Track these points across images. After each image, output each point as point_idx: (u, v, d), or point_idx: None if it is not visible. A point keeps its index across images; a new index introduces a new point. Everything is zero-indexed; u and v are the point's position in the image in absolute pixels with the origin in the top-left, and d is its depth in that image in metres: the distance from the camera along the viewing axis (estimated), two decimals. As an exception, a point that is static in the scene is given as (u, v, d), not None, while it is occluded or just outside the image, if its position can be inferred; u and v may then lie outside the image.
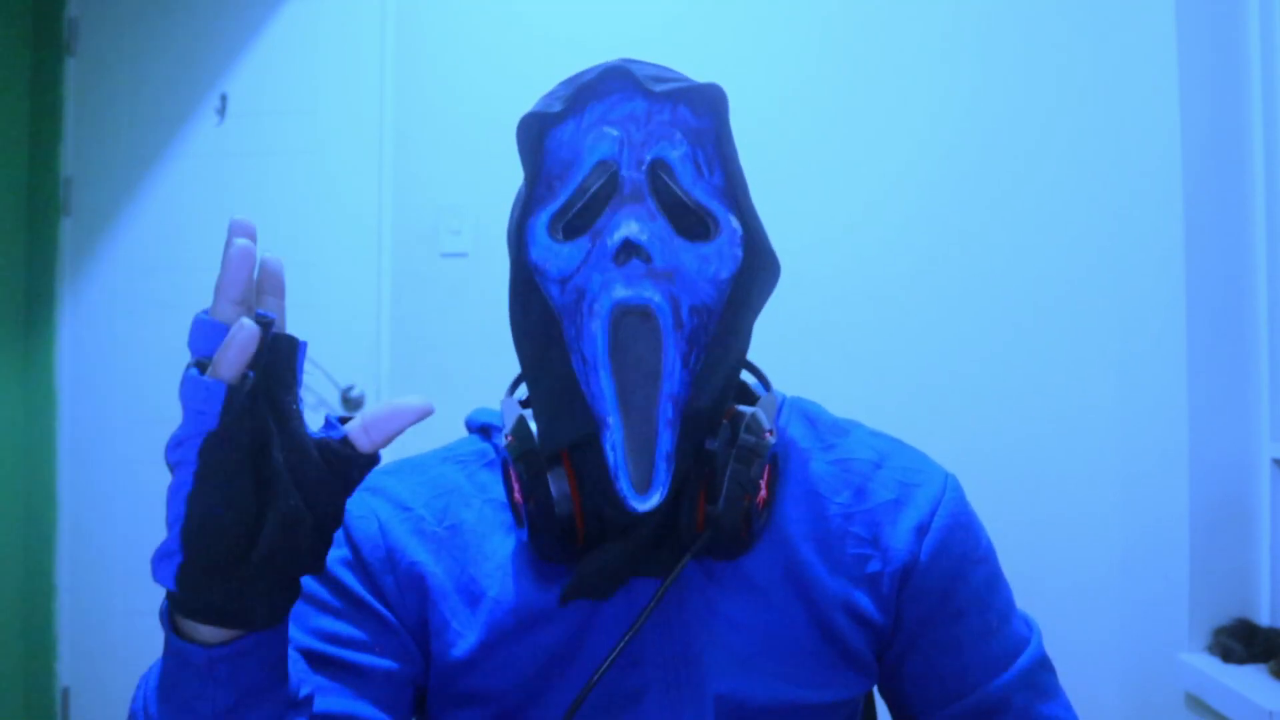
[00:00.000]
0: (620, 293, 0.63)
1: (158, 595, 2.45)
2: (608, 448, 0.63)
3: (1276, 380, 1.66)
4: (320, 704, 0.65)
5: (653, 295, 0.63)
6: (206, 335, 0.50)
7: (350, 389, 2.28)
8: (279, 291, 0.59)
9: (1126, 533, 1.87)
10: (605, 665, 0.62)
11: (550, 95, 0.69)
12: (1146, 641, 1.79)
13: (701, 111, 0.67)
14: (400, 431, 0.55)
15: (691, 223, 0.66)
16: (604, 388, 0.64)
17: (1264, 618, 1.65)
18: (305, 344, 0.57)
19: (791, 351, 1.95)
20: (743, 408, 0.70)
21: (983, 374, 1.98)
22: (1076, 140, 1.96)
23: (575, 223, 0.66)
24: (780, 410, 0.78)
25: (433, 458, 0.78)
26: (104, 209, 2.46)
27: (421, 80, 2.29)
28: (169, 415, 2.36)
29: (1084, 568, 1.91)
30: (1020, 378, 1.97)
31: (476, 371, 2.24)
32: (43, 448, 2.47)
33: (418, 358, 2.26)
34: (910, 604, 0.72)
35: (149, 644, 2.70)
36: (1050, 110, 1.98)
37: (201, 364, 0.50)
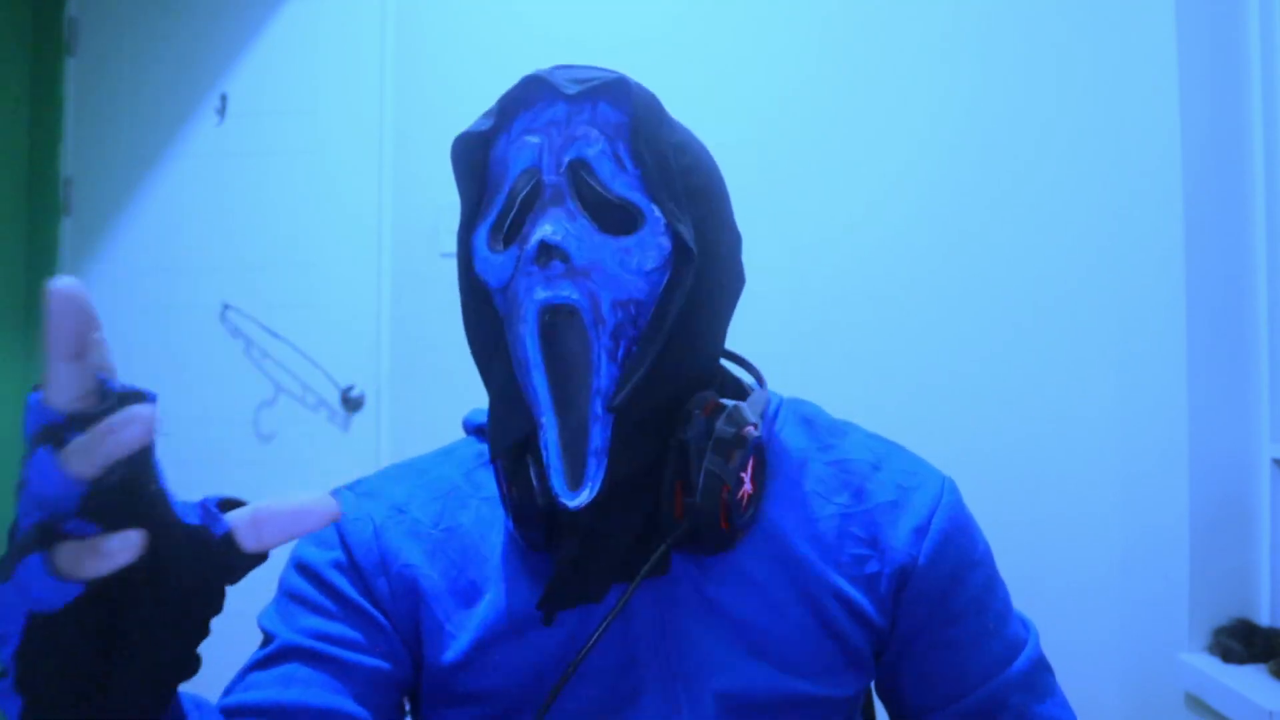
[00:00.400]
0: (541, 294, 0.64)
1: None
2: (542, 447, 0.64)
3: (1276, 380, 1.66)
4: (304, 697, 0.65)
5: (571, 293, 0.64)
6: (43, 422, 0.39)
7: (350, 389, 2.28)
8: (96, 325, 0.40)
9: (1126, 533, 1.87)
10: (583, 654, 0.62)
11: (483, 115, 0.71)
12: (1146, 641, 1.79)
13: (621, 105, 0.68)
14: (298, 535, 0.45)
15: (616, 217, 0.67)
16: (537, 388, 0.65)
17: (1264, 618, 1.65)
18: (155, 395, 0.45)
19: (791, 352, 1.95)
20: (727, 401, 0.70)
21: (983, 374, 1.98)
22: (1076, 141, 1.96)
23: (509, 233, 0.68)
24: (777, 411, 0.78)
25: (431, 459, 0.79)
26: (104, 209, 2.46)
27: (421, 80, 2.29)
28: (169, 415, 2.37)
29: (1084, 568, 1.91)
30: (1020, 378, 1.97)
31: (476, 371, 2.25)
32: (43, 448, 2.47)
33: (418, 358, 2.26)
34: (908, 606, 0.73)
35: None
36: (1050, 110, 1.98)
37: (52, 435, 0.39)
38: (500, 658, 0.69)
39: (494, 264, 0.68)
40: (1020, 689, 0.73)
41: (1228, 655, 1.58)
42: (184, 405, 2.37)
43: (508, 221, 0.68)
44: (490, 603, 0.69)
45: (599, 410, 0.64)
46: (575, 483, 0.63)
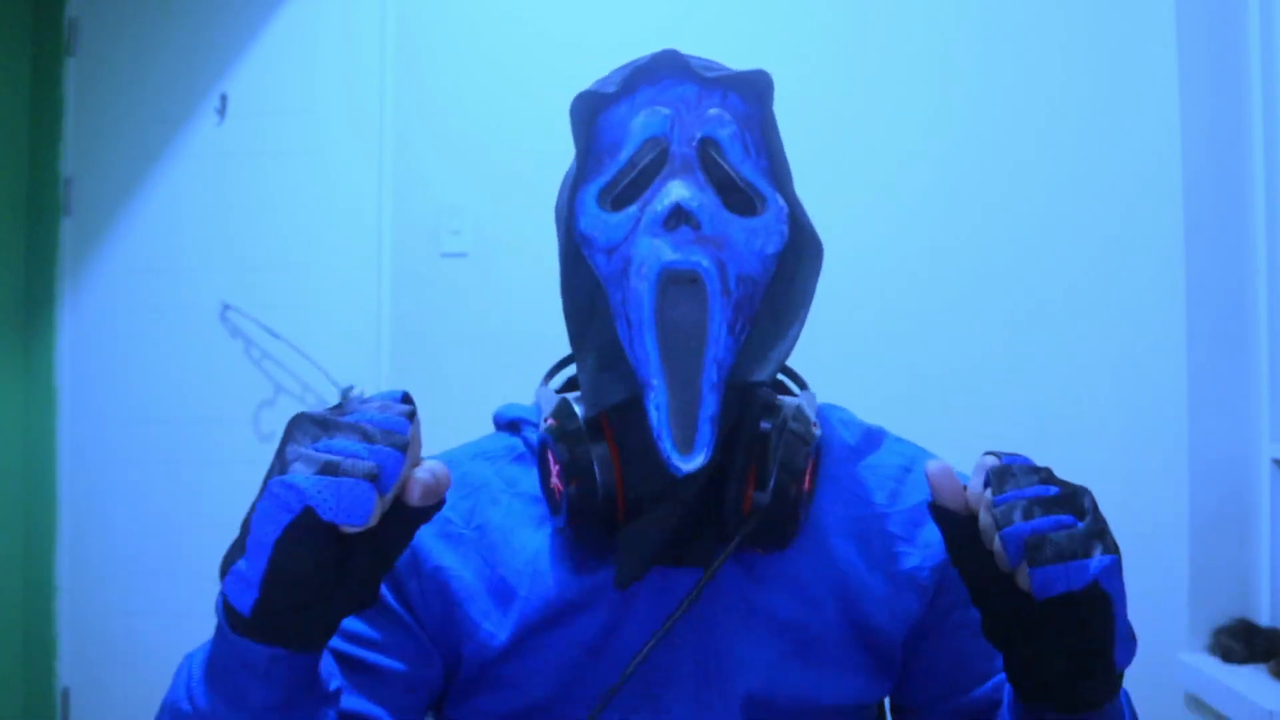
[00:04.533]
0: (669, 255, 0.64)
1: (157, 595, 2.46)
2: (651, 408, 0.63)
3: (1276, 380, 1.66)
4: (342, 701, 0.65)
5: (700, 259, 0.64)
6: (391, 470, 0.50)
7: (350, 389, 2.28)
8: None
9: (1126, 533, 1.86)
10: (635, 662, 0.61)
11: (605, 79, 0.71)
12: (1146, 641, 1.78)
13: (749, 98, 0.70)
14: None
15: (739, 199, 0.68)
16: (649, 350, 0.64)
17: (1264, 618, 1.65)
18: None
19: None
20: (787, 399, 0.70)
21: (982, 374, 1.98)
22: (1077, 141, 1.96)
23: (624, 194, 0.68)
24: (818, 413, 0.78)
25: (462, 454, 0.77)
26: (104, 209, 2.46)
27: (421, 80, 2.29)
28: (169, 415, 2.37)
29: (1084, 568, 1.90)
30: (1020, 377, 1.97)
31: (476, 371, 2.24)
32: (43, 448, 2.46)
33: (418, 358, 2.26)
34: (939, 594, 0.74)
35: (149, 644, 2.69)
36: (1050, 111, 1.98)
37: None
38: (537, 648, 0.69)
39: (605, 222, 0.68)
40: None
41: (1228, 655, 1.58)
42: (184, 405, 2.37)
43: (623, 184, 0.68)
44: (525, 597, 0.69)
45: (715, 378, 0.64)
46: (687, 446, 0.62)
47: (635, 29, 2.16)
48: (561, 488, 0.66)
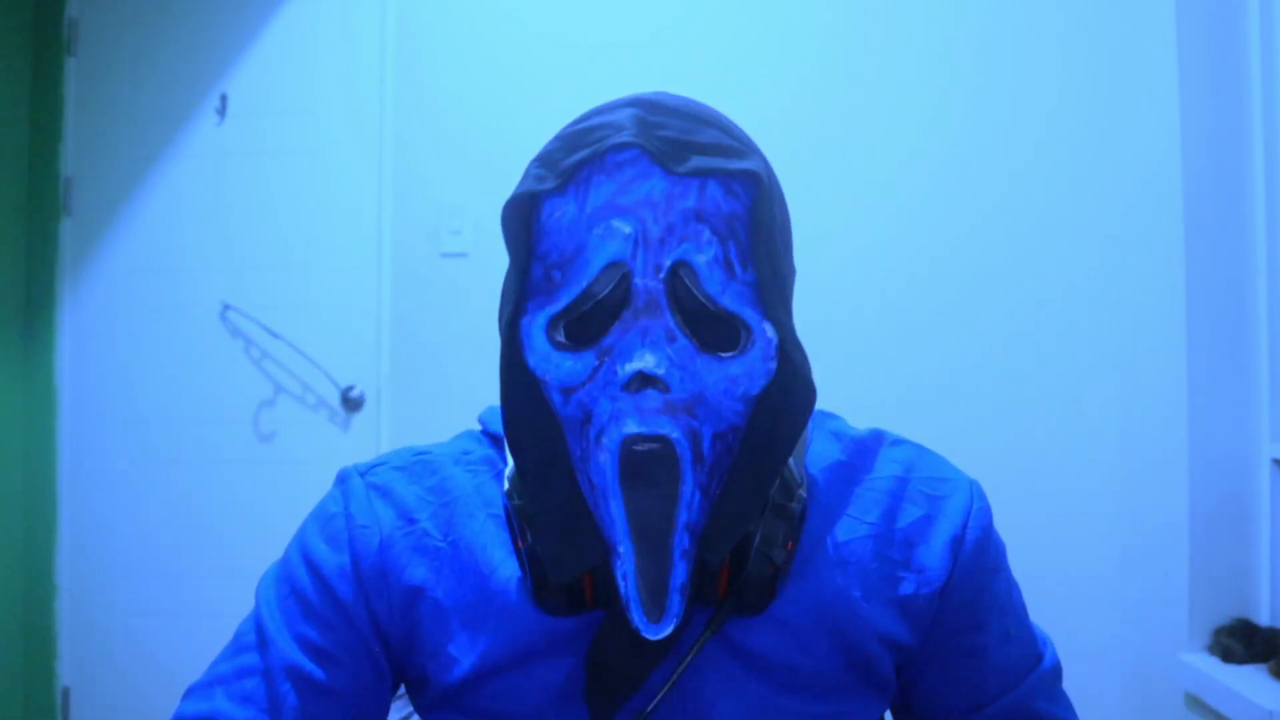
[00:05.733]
0: (632, 428, 0.57)
1: (157, 595, 2.47)
2: (619, 575, 0.59)
3: (1276, 380, 1.66)
4: None
5: (670, 431, 0.57)
6: None
7: (350, 389, 2.28)
8: None
9: (1126, 533, 1.87)
10: None
11: (543, 160, 0.60)
12: (1146, 641, 1.79)
13: (735, 190, 0.58)
14: None
15: (718, 333, 0.59)
16: (614, 516, 0.59)
17: (1264, 618, 1.64)
18: None
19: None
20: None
21: (983, 374, 1.98)
22: (1077, 141, 1.96)
23: (580, 332, 0.59)
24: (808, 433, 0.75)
25: (446, 455, 0.74)
26: (104, 209, 2.46)
27: (421, 80, 2.29)
28: (169, 415, 2.37)
29: (1084, 568, 1.90)
30: (1020, 377, 1.97)
31: (476, 371, 2.24)
32: (43, 448, 2.46)
33: (418, 358, 2.26)
34: (941, 619, 0.71)
35: (149, 644, 2.69)
36: (1051, 111, 1.98)
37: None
38: (503, 686, 0.67)
39: (558, 365, 0.59)
40: (1044, 696, 0.72)
41: (1228, 655, 1.58)
42: (184, 405, 2.37)
43: (577, 315, 0.59)
44: (493, 630, 0.67)
45: (686, 544, 0.59)
46: (657, 616, 0.58)
47: (635, 29, 2.16)
48: (526, 554, 0.63)
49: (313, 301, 2.32)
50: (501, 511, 0.69)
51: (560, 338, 0.60)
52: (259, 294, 2.33)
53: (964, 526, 0.70)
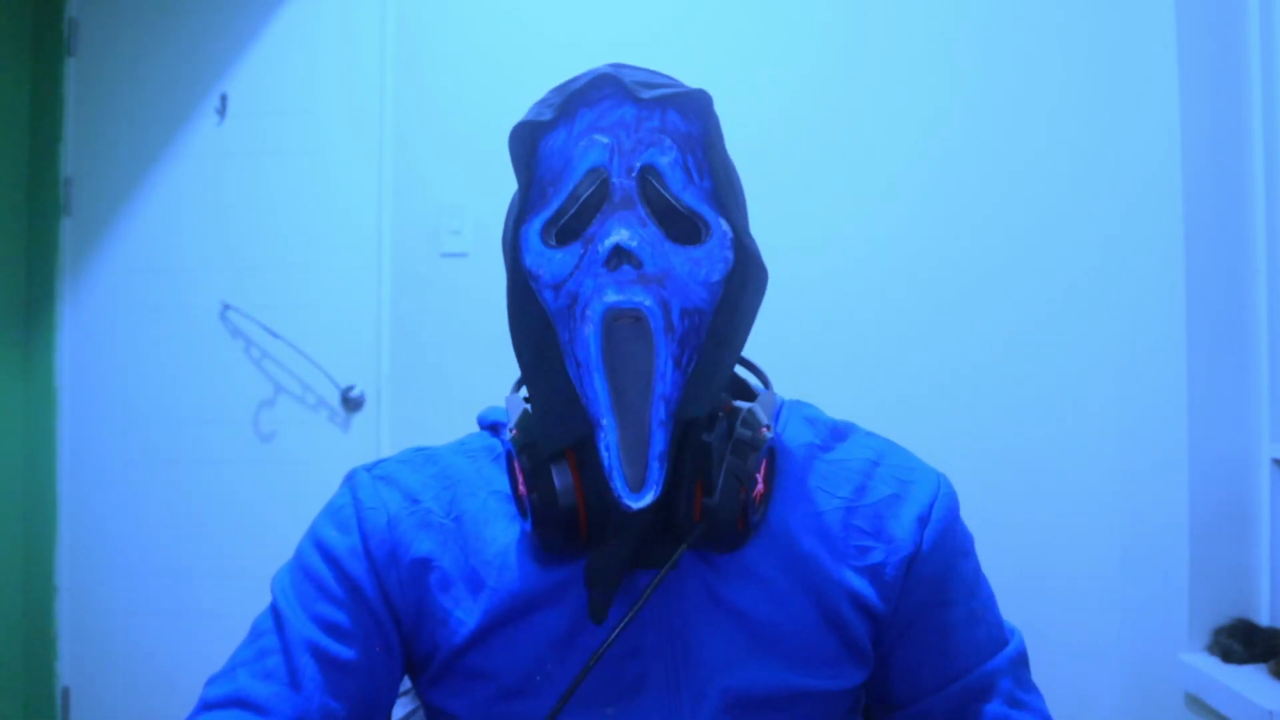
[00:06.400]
0: (611, 297, 0.65)
1: (157, 595, 2.48)
2: (602, 448, 0.65)
3: (1276, 380, 1.66)
4: (308, 702, 0.69)
5: (644, 299, 0.65)
6: None
7: (350, 389, 2.28)
8: None
9: (1126, 533, 1.87)
10: (596, 656, 0.64)
11: (541, 103, 0.71)
12: (1146, 641, 1.79)
13: (690, 116, 0.69)
14: None
15: (682, 227, 0.68)
16: (598, 390, 0.66)
17: (1264, 618, 1.65)
18: None
19: (790, 352, 1.95)
20: (740, 403, 0.72)
21: (983, 374, 1.98)
22: (1077, 142, 1.96)
23: (568, 229, 0.68)
24: (780, 411, 0.80)
25: (446, 449, 0.80)
26: (104, 209, 2.46)
27: (421, 80, 2.29)
28: (169, 415, 2.37)
29: (1084, 568, 1.91)
30: (1020, 378, 1.97)
31: (476, 371, 2.24)
32: (43, 448, 2.47)
33: (418, 358, 2.26)
34: (909, 592, 0.75)
35: (149, 644, 2.70)
36: (1050, 112, 1.98)
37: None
38: (505, 639, 0.71)
39: (550, 259, 0.69)
40: (1009, 676, 0.76)
41: (1228, 655, 1.58)
42: (184, 405, 2.37)
43: (565, 218, 0.68)
44: (493, 588, 0.71)
45: (663, 415, 0.66)
46: (638, 485, 0.65)
47: (635, 29, 2.16)
48: (526, 495, 0.68)
49: (313, 301, 2.32)
50: (501, 490, 0.76)
51: (552, 241, 0.69)
52: (259, 294, 2.33)
53: (931, 507, 0.76)
